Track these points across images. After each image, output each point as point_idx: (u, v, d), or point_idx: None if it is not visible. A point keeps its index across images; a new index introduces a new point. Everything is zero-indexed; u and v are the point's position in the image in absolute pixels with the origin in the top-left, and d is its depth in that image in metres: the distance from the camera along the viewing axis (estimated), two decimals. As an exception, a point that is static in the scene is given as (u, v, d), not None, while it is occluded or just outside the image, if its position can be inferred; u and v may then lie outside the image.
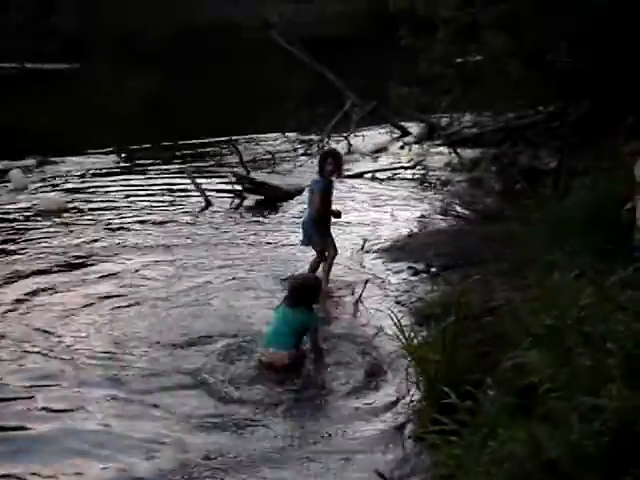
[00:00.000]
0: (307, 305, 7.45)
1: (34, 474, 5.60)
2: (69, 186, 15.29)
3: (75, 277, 9.98)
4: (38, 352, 7.61)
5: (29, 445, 6.00)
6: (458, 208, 13.20)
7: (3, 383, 7.01)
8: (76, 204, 13.78)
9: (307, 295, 7.50)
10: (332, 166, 9.67)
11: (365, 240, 9.42)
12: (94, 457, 5.80)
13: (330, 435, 6.08)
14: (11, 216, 13.07)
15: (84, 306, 8.85)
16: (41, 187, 15.10)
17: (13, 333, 8.09)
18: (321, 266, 9.56)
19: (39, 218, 12.90)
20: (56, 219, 12.79)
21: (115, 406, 6.56)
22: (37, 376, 7.15)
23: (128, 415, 6.42)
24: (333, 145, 18.51)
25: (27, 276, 9.94)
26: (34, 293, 9.24)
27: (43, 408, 6.55)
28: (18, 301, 9.02)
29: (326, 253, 9.58)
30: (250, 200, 14.10)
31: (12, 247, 11.33)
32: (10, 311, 8.71)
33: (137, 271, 10.17)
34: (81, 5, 39.02)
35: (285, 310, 7.42)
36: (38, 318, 8.45)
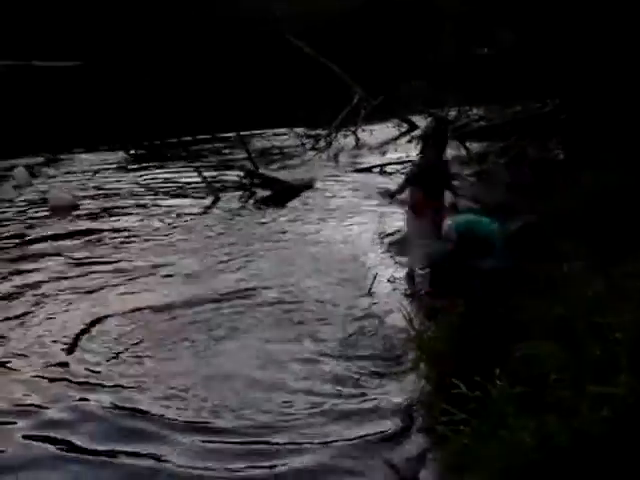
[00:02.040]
0: None
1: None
2: (78, 183, 15.36)
3: (91, 277, 9.94)
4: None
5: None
6: (466, 201, 13.18)
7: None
8: (85, 201, 13.83)
9: None
10: None
11: (376, 275, 9.35)
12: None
13: (339, 426, 6.09)
14: (14, 212, 13.11)
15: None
16: (48, 184, 15.16)
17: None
18: None
19: (46, 214, 12.95)
20: (65, 216, 12.85)
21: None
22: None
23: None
24: (341, 140, 18.58)
25: (35, 274, 9.97)
26: (45, 296, 9.22)
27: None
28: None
29: None
30: (259, 195, 14.13)
31: (16, 243, 11.38)
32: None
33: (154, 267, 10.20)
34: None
35: None
36: (56, 331, 8.20)
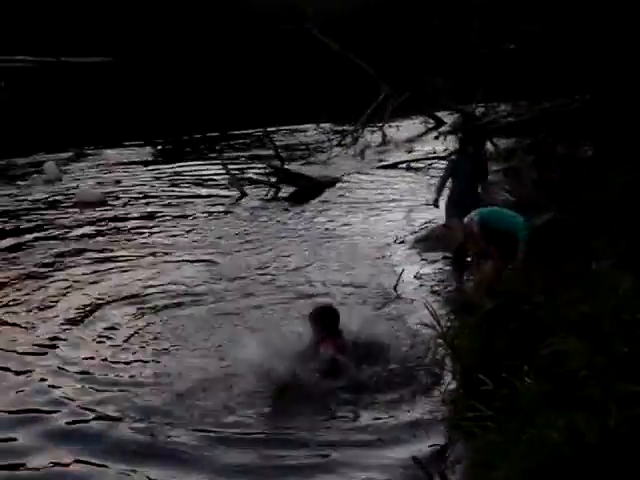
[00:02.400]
0: None
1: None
2: (106, 178, 15.45)
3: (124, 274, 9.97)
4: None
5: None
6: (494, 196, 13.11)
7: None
8: (113, 196, 13.92)
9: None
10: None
11: (402, 271, 9.32)
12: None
13: (367, 422, 6.10)
14: (44, 207, 13.23)
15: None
16: (78, 179, 15.28)
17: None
18: None
19: (75, 209, 13.06)
20: (93, 211, 12.94)
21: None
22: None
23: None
24: (367, 136, 18.56)
25: (64, 269, 10.04)
26: (71, 287, 9.30)
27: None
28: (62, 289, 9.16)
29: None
30: (285, 191, 14.14)
31: (43, 236, 11.47)
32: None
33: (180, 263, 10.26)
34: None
35: None
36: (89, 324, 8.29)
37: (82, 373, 7.01)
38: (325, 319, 7.08)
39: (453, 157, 9.58)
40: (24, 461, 5.60)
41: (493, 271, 8.29)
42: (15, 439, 5.94)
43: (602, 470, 3.94)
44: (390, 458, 5.55)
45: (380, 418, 6.14)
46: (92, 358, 7.33)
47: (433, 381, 6.66)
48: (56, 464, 5.58)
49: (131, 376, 6.95)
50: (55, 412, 6.33)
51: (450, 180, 9.48)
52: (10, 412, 6.34)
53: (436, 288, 9.05)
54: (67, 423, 6.15)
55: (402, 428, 5.95)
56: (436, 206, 9.53)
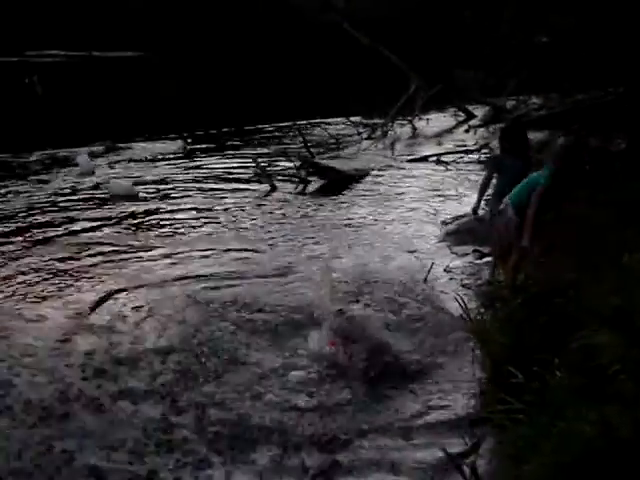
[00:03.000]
0: None
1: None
2: (137, 171, 15.57)
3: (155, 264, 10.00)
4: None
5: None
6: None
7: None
8: (144, 189, 14.03)
9: None
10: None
11: (432, 263, 9.27)
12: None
13: (398, 415, 6.10)
14: (78, 200, 13.38)
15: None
16: (109, 172, 15.41)
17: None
18: None
19: (108, 202, 13.19)
20: (125, 204, 13.05)
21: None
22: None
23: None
24: (397, 129, 18.52)
25: (99, 262, 10.14)
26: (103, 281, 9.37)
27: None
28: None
29: None
30: (314, 184, 14.16)
31: (78, 229, 11.61)
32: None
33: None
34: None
35: None
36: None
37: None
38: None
39: (494, 155, 9.34)
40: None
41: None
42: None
43: (635, 464, 3.92)
44: (421, 451, 5.56)
45: (410, 411, 6.14)
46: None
47: (463, 374, 6.64)
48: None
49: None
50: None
51: (495, 176, 9.26)
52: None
53: (466, 281, 9.01)
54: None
55: (432, 421, 5.95)
56: (475, 213, 9.08)
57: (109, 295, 8.67)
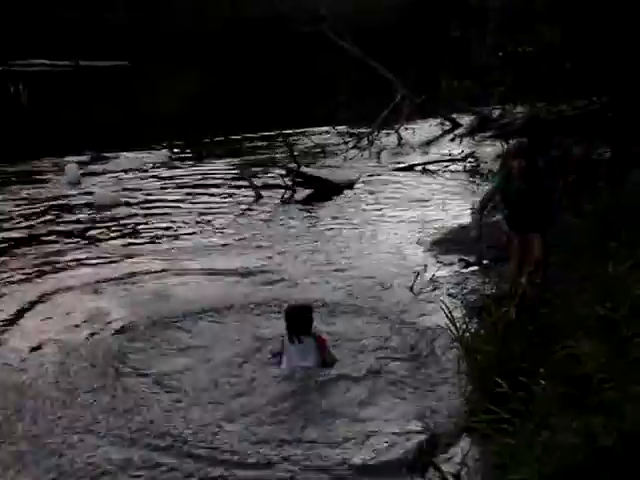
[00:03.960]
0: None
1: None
2: (123, 181, 15.53)
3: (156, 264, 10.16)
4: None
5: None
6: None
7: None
8: (130, 198, 14.00)
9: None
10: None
11: (418, 273, 9.28)
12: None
13: (381, 425, 6.08)
14: (65, 209, 13.34)
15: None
16: (95, 182, 15.36)
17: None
18: None
19: (92, 211, 13.16)
20: (110, 213, 13.03)
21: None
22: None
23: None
24: (383, 138, 18.54)
25: (82, 269, 10.14)
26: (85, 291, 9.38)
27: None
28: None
29: None
30: (300, 193, 14.16)
31: (64, 239, 11.59)
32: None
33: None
34: (131, 2, 39.61)
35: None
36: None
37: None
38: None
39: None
40: None
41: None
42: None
43: (618, 473, 3.93)
44: (405, 460, 5.55)
45: (394, 420, 6.13)
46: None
47: (449, 383, 6.64)
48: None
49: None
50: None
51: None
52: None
53: (452, 290, 9.02)
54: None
55: (417, 431, 5.94)
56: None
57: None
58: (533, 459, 4.30)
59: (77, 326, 8.26)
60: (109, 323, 8.31)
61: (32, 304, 8.93)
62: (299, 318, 7.08)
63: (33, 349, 7.70)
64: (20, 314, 8.65)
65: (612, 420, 4.17)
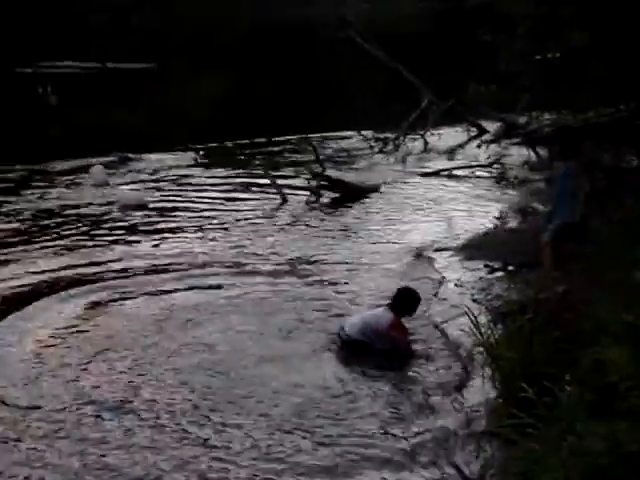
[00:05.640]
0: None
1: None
2: (149, 182, 15.61)
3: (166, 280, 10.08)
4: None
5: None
6: (536, 206, 13.01)
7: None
8: (155, 199, 14.07)
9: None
10: None
11: (443, 278, 9.36)
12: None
13: (407, 430, 6.08)
14: (92, 211, 13.44)
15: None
16: (122, 183, 15.45)
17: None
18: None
19: (119, 213, 13.25)
20: (136, 214, 13.11)
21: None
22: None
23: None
24: (409, 143, 18.53)
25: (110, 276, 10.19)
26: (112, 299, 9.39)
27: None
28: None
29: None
30: (326, 197, 14.17)
31: (90, 241, 11.68)
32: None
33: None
34: (162, 6, 39.90)
35: None
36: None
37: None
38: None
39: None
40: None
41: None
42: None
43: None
44: (430, 465, 5.54)
45: (419, 425, 6.13)
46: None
47: (473, 388, 6.63)
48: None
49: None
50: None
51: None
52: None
53: (477, 296, 8.99)
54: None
55: (442, 435, 5.93)
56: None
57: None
58: (559, 464, 4.28)
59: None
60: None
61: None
62: (408, 301, 7.68)
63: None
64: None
65: (638, 426, 4.15)
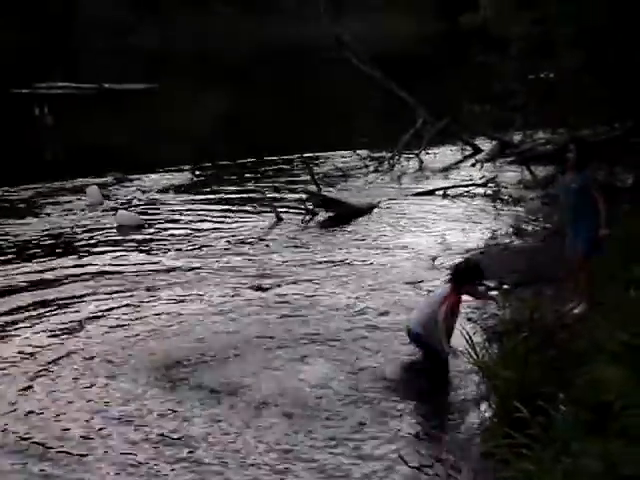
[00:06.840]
0: None
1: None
2: (145, 202, 15.61)
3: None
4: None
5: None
6: (531, 225, 13.03)
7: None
8: (152, 220, 14.07)
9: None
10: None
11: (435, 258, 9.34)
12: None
13: (401, 449, 6.05)
14: (87, 230, 13.43)
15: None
16: (118, 203, 15.45)
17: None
18: None
19: (115, 233, 13.24)
20: (131, 233, 13.10)
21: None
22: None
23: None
24: (404, 162, 18.57)
25: (100, 295, 10.16)
26: (103, 314, 9.40)
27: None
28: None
29: None
30: (321, 216, 14.17)
31: (85, 261, 11.66)
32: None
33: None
34: (160, 26, 40.07)
35: None
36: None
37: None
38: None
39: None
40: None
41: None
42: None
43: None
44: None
45: (414, 444, 6.10)
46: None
47: (467, 408, 6.60)
48: None
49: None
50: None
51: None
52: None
53: (472, 315, 8.97)
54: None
55: (435, 454, 5.90)
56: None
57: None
58: (553, 486, 4.26)
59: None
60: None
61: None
62: (463, 269, 7.87)
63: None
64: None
65: (633, 447, 4.12)
